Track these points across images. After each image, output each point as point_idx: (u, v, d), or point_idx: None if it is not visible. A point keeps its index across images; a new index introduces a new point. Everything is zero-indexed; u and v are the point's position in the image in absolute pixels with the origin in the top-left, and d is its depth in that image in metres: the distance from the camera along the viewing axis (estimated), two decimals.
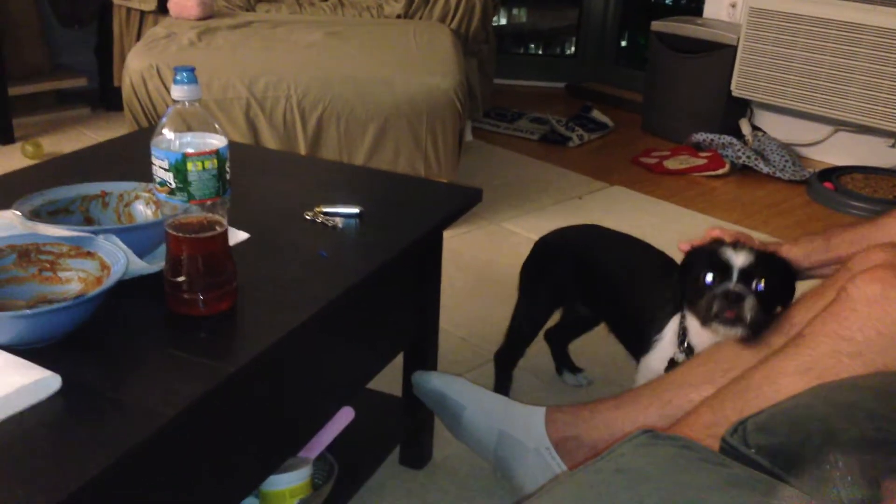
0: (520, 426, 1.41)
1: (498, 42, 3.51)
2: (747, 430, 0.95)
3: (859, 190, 2.87)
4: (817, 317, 1.16)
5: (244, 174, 1.42)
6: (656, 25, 3.42)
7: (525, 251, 1.71)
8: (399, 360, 1.51)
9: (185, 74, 0.92)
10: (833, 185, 2.91)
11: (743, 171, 3.12)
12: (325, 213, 1.30)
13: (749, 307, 1.27)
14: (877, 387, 1.00)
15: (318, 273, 1.15)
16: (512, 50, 4.46)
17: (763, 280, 1.29)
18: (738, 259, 1.29)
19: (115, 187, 1.19)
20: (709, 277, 1.30)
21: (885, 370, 1.05)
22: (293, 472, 1.20)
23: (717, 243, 1.35)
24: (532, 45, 4.60)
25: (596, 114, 3.65)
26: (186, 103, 0.94)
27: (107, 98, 3.55)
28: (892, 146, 3.03)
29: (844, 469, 0.75)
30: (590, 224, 1.75)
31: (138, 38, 2.96)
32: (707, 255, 1.32)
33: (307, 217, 1.30)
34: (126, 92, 2.40)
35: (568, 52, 4.46)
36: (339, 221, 1.29)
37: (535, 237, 1.73)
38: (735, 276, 1.29)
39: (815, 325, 1.14)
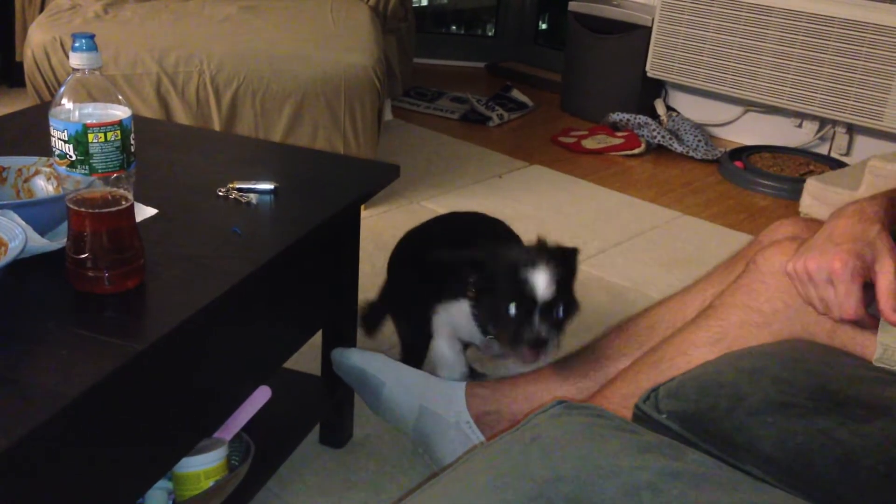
0: (440, 401, 1.41)
1: (419, 21, 3.48)
2: (659, 397, 0.97)
3: (767, 168, 2.96)
4: (727, 288, 1.19)
5: (153, 149, 1.38)
6: (573, 6, 3.45)
7: None
8: (318, 338, 1.49)
9: (83, 41, 0.88)
10: (743, 163, 2.99)
11: (658, 151, 3.18)
12: (239, 190, 1.27)
13: (550, 347, 1.29)
14: (782, 353, 1.04)
15: (231, 249, 1.12)
16: (433, 29, 4.44)
17: (561, 305, 1.30)
18: (541, 289, 1.28)
19: (12, 162, 1.13)
20: (512, 309, 1.29)
21: (790, 339, 1.08)
22: (208, 454, 1.17)
23: (522, 257, 1.31)
24: (453, 25, 4.59)
25: (516, 93, 3.67)
26: (87, 71, 0.90)
27: (9, 74, 3.39)
28: (799, 126, 3.13)
29: None
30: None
31: (42, 10, 2.83)
32: (512, 282, 1.29)
33: (220, 193, 1.26)
34: (28, 66, 2.30)
35: (488, 32, 4.46)
36: (252, 198, 1.26)
37: None
38: (538, 313, 1.28)
39: (726, 296, 1.18)
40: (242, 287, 1.04)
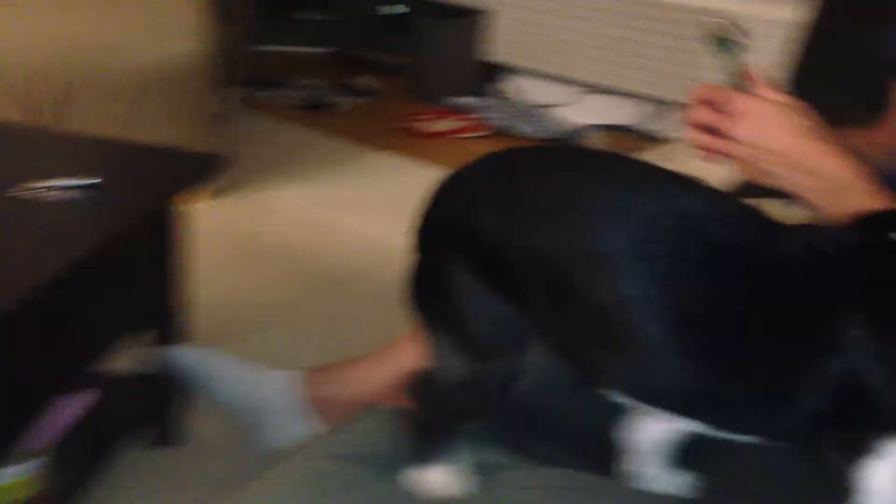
0: (274, 391, 1.40)
1: (261, 7, 3.41)
2: None
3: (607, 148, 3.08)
4: None
5: None
6: None
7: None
8: (149, 338, 1.45)
9: None
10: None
11: (504, 133, 3.24)
12: (41, 188, 1.21)
13: None
14: None
15: (31, 251, 1.06)
16: (276, 15, 4.34)
17: None
18: None
19: None
20: None
21: None
22: (15, 467, 1.11)
23: None
24: (297, 11, 4.51)
25: (362, 80, 3.65)
26: None
27: None
28: (639, 106, 3.26)
29: None
30: None
31: None
32: None
33: (16, 193, 1.19)
34: None
35: (334, 17, 4.41)
36: (60, 195, 1.20)
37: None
38: None
39: None
40: (44, 292, 0.99)
